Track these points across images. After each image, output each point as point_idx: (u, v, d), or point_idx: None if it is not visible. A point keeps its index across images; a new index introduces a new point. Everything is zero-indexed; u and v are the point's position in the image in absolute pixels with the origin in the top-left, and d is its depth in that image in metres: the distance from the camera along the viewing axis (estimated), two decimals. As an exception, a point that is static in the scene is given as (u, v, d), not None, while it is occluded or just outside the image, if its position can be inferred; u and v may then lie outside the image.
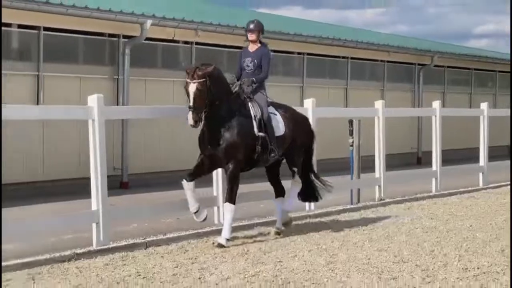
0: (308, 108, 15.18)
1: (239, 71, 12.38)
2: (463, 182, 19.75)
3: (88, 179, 11.02)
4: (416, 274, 9.42)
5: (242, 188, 12.06)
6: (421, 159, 28.71)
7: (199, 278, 9.21)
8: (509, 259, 10.05)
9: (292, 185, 12.98)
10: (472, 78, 33.15)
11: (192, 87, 11.12)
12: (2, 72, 15.91)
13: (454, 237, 12.07)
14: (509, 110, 24.26)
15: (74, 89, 18.01)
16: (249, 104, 11.94)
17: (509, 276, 9.21)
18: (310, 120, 14.10)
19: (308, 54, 24.81)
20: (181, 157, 18.27)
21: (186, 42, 21.20)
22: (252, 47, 12.40)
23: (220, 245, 11.13)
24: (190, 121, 11.07)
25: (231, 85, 11.96)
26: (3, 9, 15.04)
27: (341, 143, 19.14)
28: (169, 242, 11.56)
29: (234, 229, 11.83)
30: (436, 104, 19.17)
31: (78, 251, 10.50)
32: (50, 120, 15.83)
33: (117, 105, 18.77)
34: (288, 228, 12.61)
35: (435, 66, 30.07)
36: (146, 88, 20.08)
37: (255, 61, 12.24)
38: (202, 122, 11.27)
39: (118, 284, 8.89)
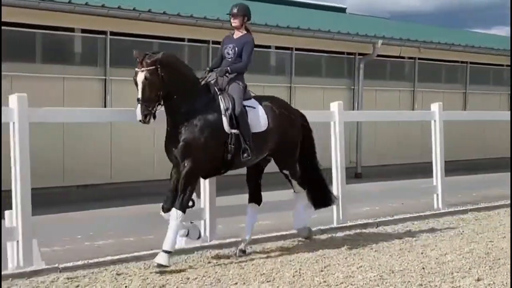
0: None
1: (219, 60, 9.18)
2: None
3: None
4: None
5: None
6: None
7: (421, 253, 9.02)
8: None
9: (295, 198, 9.79)
10: None
11: (140, 76, 7.99)
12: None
13: None
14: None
15: (318, 97, 18.27)
16: (220, 97, 8.70)
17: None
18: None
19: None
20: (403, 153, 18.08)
21: (410, 58, 21.07)
22: (236, 34, 9.15)
23: (160, 265, 7.96)
24: (138, 115, 7.97)
25: (201, 78, 8.85)
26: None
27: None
28: (396, 222, 11.40)
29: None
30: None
31: (322, 227, 10.59)
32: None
33: (353, 110, 18.90)
34: (310, 240, 9.86)
35: None
36: (376, 96, 20.09)
37: (236, 48, 9.02)
38: (156, 119, 8.21)
39: (355, 255, 8.87)
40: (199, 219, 9.44)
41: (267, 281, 7.50)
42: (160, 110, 8.27)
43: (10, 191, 7.97)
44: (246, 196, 9.34)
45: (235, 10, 9.07)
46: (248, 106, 8.85)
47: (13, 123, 7.96)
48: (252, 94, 9.13)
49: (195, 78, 8.70)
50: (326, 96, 18.18)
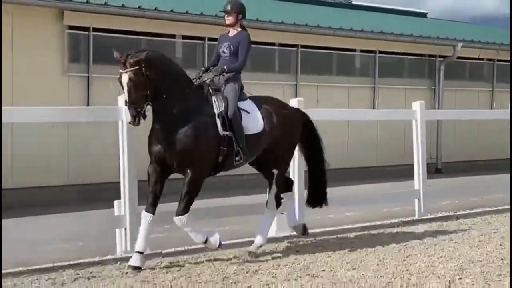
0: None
1: (215, 59, 8.30)
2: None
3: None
4: None
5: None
6: None
7: (500, 245, 8.82)
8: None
9: (286, 199, 8.79)
10: None
11: (125, 78, 7.22)
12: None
13: None
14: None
15: (401, 97, 18.03)
16: (213, 98, 7.84)
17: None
18: None
19: None
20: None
21: (489, 60, 20.61)
22: (232, 32, 8.28)
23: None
24: (128, 117, 7.43)
25: (195, 77, 8.01)
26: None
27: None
28: (475, 216, 11.19)
29: None
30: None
31: (404, 219, 10.48)
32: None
33: (434, 109, 18.60)
34: (307, 236, 8.95)
35: None
36: (456, 96, 19.70)
37: (232, 47, 8.16)
38: (146, 119, 7.42)
39: (435, 246, 8.74)
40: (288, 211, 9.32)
41: (353, 269, 7.47)
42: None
43: (117, 183, 8.27)
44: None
45: (228, 7, 8.25)
46: (242, 110, 8.01)
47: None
48: (248, 95, 8.31)
49: (185, 77, 7.82)
50: (408, 96, 17.93)
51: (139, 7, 13.55)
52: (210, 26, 14.42)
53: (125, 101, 7.34)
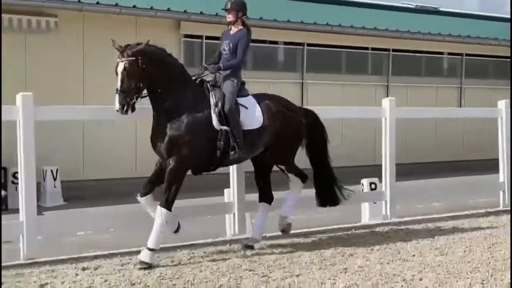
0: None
1: (217, 56, 7.71)
2: None
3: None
4: None
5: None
6: None
7: None
8: None
9: (290, 187, 8.02)
10: None
11: (120, 67, 6.78)
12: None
13: None
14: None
15: (486, 97, 17.50)
16: (211, 93, 7.27)
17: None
18: None
19: None
20: None
21: None
22: (233, 29, 7.64)
23: (142, 263, 6.72)
24: (116, 105, 6.74)
25: (196, 74, 7.42)
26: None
27: None
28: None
29: None
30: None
31: (489, 210, 10.19)
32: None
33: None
34: (287, 235, 8.05)
35: None
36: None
37: (231, 44, 7.53)
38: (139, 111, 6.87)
39: None
40: (380, 200, 9.36)
41: (441, 255, 7.31)
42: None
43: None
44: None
45: (228, 5, 7.62)
46: (241, 105, 7.38)
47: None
48: (251, 92, 7.65)
49: (183, 72, 7.24)
50: (492, 96, 17.36)
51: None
52: (308, 33, 14.57)
53: (116, 89, 6.75)
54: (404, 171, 10.47)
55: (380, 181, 9.52)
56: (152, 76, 6.86)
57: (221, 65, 7.43)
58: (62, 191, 11.54)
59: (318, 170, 8.06)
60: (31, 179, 6.97)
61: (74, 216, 8.24)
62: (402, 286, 6.13)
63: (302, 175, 7.93)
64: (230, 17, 7.63)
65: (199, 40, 13.76)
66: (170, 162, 6.90)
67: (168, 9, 12.85)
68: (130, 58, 6.75)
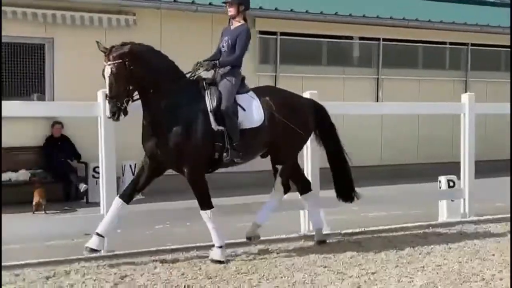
0: None
1: (217, 53, 7.26)
2: None
3: None
4: None
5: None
6: None
7: None
8: None
9: (305, 199, 7.78)
10: None
11: (107, 71, 6.38)
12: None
13: None
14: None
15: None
16: (207, 91, 6.82)
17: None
18: None
19: None
20: None
21: None
22: (234, 24, 7.18)
23: (216, 261, 6.71)
24: (107, 112, 6.49)
25: (189, 71, 6.95)
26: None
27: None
28: None
29: None
30: None
31: None
32: None
33: None
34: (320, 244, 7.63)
35: None
36: None
37: (230, 41, 7.07)
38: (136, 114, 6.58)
39: None
40: (459, 198, 9.18)
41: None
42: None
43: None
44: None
45: None
46: (239, 105, 6.94)
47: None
48: (250, 87, 7.25)
49: (176, 71, 6.82)
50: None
51: (321, 13, 13.67)
52: (385, 28, 14.42)
53: (105, 96, 6.50)
54: (485, 168, 10.18)
55: (459, 178, 9.34)
56: (142, 78, 6.51)
57: (217, 62, 7.02)
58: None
59: (333, 162, 7.63)
60: (111, 173, 7.17)
61: (152, 210, 8.38)
62: (481, 285, 6.01)
63: (287, 186, 7.53)
64: (231, 11, 7.16)
65: (274, 36, 13.79)
66: (186, 172, 6.68)
67: (244, 6, 12.94)
68: (117, 61, 6.37)
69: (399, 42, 15.09)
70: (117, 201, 6.78)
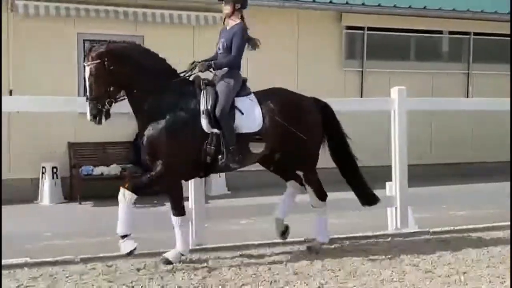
0: None
1: (215, 54, 6.81)
2: None
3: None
4: None
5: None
6: None
7: None
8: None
9: (317, 213, 7.14)
10: None
11: (86, 72, 6.08)
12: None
13: None
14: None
15: None
16: (203, 92, 6.37)
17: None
18: None
19: None
20: None
21: None
22: (230, 24, 6.74)
23: (167, 260, 6.49)
24: (88, 115, 6.10)
25: (184, 71, 6.53)
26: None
27: None
28: None
29: None
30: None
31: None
32: None
33: None
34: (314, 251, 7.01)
35: None
36: None
37: (226, 42, 6.65)
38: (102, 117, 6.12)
39: None
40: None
41: None
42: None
43: (387, 166, 8.24)
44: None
45: None
46: (237, 108, 6.51)
47: (394, 111, 8.10)
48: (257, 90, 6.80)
49: (166, 70, 6.44)
50: None
51: (410, 7, 13.43)
52: (476, 22, 14.05)
53: (86, 97, 6.16)
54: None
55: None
56: (125, 78, 6.17)
57: (212, 63, 6.63)
58: (225, 181, 11.95)
59: (344, 168, 7.17)
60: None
61: (238, 205, 8.48)
62: None
63: (322, 193, 7.07)
64: (227, 9, 6.76)
65: (361, 31, 13.65)
66: (156, 168, 6.23)
67: (330, 1, 12.86)
68: (96, 61, 6.07)
69: (491, 36, 14.65)
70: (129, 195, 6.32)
